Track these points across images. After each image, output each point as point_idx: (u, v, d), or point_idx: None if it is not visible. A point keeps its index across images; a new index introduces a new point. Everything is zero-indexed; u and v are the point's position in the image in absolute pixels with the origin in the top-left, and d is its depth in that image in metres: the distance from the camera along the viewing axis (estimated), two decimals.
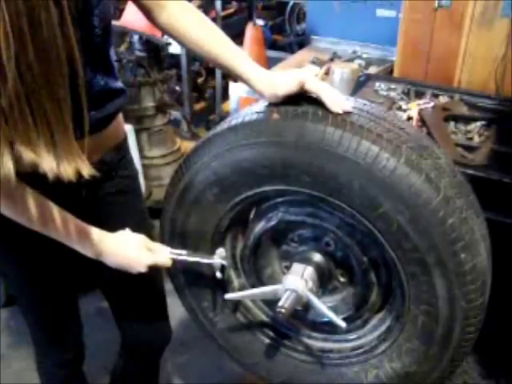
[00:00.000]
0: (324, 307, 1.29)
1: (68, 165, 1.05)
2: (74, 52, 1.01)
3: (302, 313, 1.40)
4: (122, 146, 1.49)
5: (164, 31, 1.35)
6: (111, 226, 1.34)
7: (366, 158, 1.07)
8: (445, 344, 1.20)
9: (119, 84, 1.38)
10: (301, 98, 1.17)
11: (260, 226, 1.35)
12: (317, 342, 1.45)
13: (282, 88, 1.17)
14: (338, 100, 1.13)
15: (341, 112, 1.11)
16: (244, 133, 1.18)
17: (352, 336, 1.39)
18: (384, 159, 1.06)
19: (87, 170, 1.09)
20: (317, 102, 1.14)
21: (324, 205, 1.23)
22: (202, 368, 2.45)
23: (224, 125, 1.25)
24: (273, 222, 1.33)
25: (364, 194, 1.09)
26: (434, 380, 1.27)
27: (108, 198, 1.47)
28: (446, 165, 1.16)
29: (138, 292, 1.61)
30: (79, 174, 1.08)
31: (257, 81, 1.23)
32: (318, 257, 1.33)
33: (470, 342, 1.21)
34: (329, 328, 1.41)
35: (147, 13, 1.33)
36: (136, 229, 1.37)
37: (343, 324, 1.26)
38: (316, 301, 1.29)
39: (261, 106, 1.22)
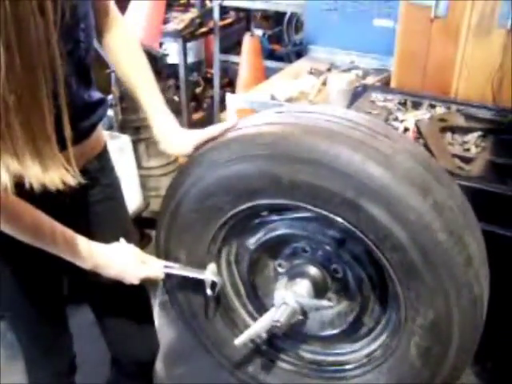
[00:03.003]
0: (315, 301, 1.32)
1: (53, 173, 1.06)
2: (56, 61, 1.02)
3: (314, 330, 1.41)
4: (103, 155, 1.52)
5: (103, 48, 1.43)
6: (94, 234, 1.35)
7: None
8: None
9: (99, 94, 1.42)
10: None
11: (252, 245, 1.38)
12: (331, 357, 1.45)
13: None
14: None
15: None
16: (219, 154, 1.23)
17: (366, 341, 1.38)
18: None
19: (72, 179, 1.10)
20: None
21: (299, 212, 1.27)
22: (200, 380, 2.43)
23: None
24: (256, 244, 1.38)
25: (316, 188, 1.12)
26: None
27: (91, 207, 1.49)
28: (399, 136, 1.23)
29: (124, 304, 1.61)
30: (64, 183, 1.09)
31: (158, 131, 1.39)
32: (311, 268, 1.34)
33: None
34: (343, 339, 1.41)
35: (97, 29, 1.39)
36: (120, 236, 1.39)
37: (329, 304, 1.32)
38: (305, 301, 1.30)
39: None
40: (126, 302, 1.61)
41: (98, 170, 1.47)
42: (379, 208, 1.08)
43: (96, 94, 1.39)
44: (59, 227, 1.26)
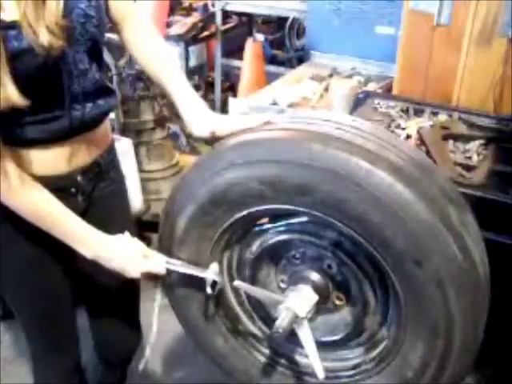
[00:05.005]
0: (317, 306, 1.32)
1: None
2: None
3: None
4: (111, 149, 1.57)
5: (123, 45, 1.48)
6: (99, 227, 1.36)
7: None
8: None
9: (109, 84, 1.47)
10: None
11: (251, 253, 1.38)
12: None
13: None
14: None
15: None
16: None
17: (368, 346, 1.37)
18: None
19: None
20: None
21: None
22: (200, 383, 2.44)
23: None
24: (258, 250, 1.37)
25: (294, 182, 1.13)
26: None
27: (100, 201, 1.53)
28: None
29: (113, 297, 1.67)
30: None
31: (187, 113, 1.41)
32: (312, 274, 1.33)
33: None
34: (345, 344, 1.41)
35: (115, 25, 1.45)
36: (123, 231, 1.40)
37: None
38: (307, 306, 1.30)
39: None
40: (115, 296, 1.65)
41: (108, 163, 1.53)
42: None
43: (106, 83, 1.44)
44: (65, 210, 1.30)
